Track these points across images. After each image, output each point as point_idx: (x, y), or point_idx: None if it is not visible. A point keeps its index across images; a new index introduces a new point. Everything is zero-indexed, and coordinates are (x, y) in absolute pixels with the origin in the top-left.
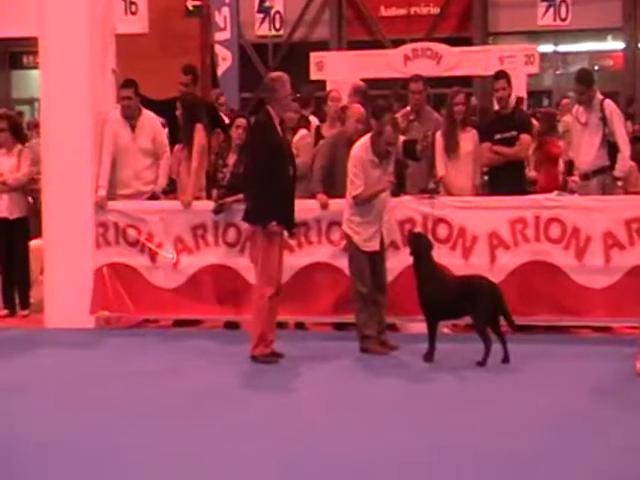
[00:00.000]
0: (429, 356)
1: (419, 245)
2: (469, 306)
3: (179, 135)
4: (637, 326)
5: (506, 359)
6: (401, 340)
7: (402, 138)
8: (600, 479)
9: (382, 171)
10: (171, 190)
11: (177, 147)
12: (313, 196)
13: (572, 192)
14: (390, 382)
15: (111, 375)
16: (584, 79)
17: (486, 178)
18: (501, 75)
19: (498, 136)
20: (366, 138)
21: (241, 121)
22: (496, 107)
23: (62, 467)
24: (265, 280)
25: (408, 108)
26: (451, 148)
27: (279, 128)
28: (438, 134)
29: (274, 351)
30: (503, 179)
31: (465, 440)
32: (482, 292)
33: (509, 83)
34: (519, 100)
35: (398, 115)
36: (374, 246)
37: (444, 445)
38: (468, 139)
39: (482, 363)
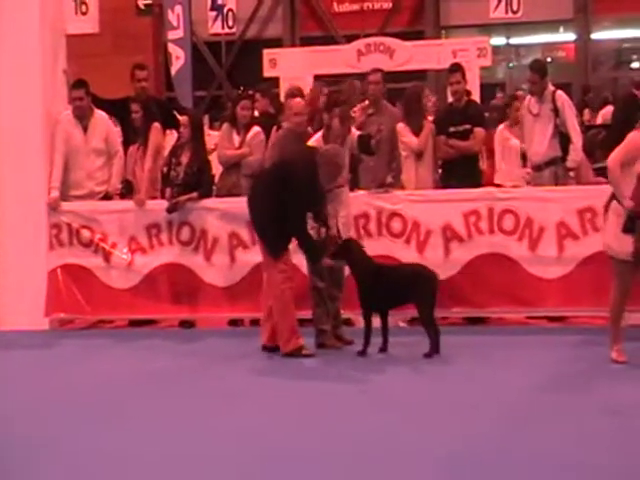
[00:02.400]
0: (363, 351)
1: (347, 249)
2: (412, 295)
3: (131, 134)
4: (591, 315)
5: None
6: (356, 335)
7: (356, 132)
8: (559, 468)
9: None
10: (127, 192)
11: (132, 147)
12: None
13: (527, 183)
14: (347, 375)
15: (66, 377)
16: (538, 69)
17: (440, 171)
18: (456, 68)
19: (452, 129)
20: (319, 134)
21: (184, 119)
22: (450, 100)
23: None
24: (280, 276)
25: (366, 102)
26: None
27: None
28: (400, 125)
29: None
30: (457, 172)
31: (422, 434)
32: (424, 280)
33: (464, 76)
34: (469, 93)
35: (356, 109)
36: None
37: (399, 442)
38: (426, 133)
39: (430, 354)
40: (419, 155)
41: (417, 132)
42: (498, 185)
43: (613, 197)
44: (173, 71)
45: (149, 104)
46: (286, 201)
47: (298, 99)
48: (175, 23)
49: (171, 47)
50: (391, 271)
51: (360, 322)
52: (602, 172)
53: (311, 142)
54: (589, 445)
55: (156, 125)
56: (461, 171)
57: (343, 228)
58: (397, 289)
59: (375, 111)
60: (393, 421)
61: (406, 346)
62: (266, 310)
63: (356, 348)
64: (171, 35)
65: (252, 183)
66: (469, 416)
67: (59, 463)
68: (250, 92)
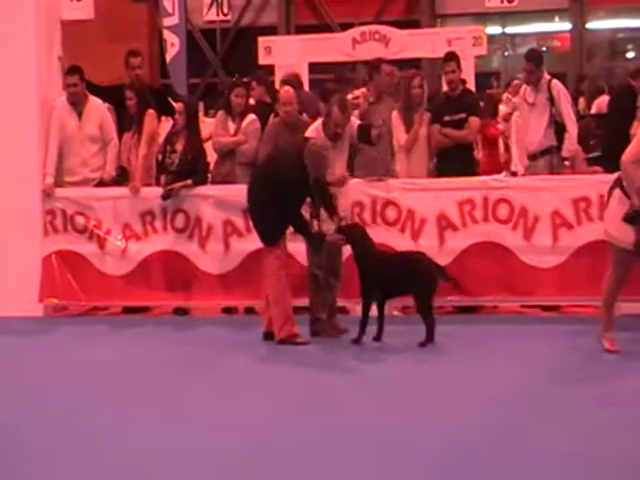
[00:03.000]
0: (358, 339)
1: (355, 233)
2: (410, 284)
3: (126, 121)
4: (585, 304)
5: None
6: (350, 322)
7: (357, 122)
8: (555, 456)
9: (336, 154)
10: (122, 179)
11: (127, 134)
12: None
13: (514, 174)
14: (341, 363)
15: (59, 364)
16: (534, 58)
17: (435, 160)
18: (451, 57)
19: (447, 118)
20: (319, 122)
21: (179, 106)
22: (445, 89)
23: (7, 452)
24: (276, 262)
25: (364, 89)
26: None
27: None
28: (395, 115)
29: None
30: (452, 161)
31: (416, 423)
32: (422, 269)
33: (459, 65)
34: (464, 82)
35: (358, 94)
36: (327, 229)
37: (398, 430)
38: (422, 123)
39: (424, 343)
40: (408, 150)
41: (409, 122)
42: (514, 173)
43: (616, 184)
44: (168, 58)
45: (143, 91)
46: (279, 193)
47: (287, 88)
48: (170, 10)
49: (166, 34)
50: (393, 259)
51: (356, 310)
52: (595, 161)
53: (310, 130)
54: (583, 434)
55: (150, 112)
56: (455, 160)
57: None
58: (398, 277)
59: (376, 100)
60: (388, 410)
61: (400, 335)
62: (266, 298)
63: (350, 337)
64: (166, 22)
65: (250, 175)
66: (463, 405)
67: (52, 450)
68: (246, 80)
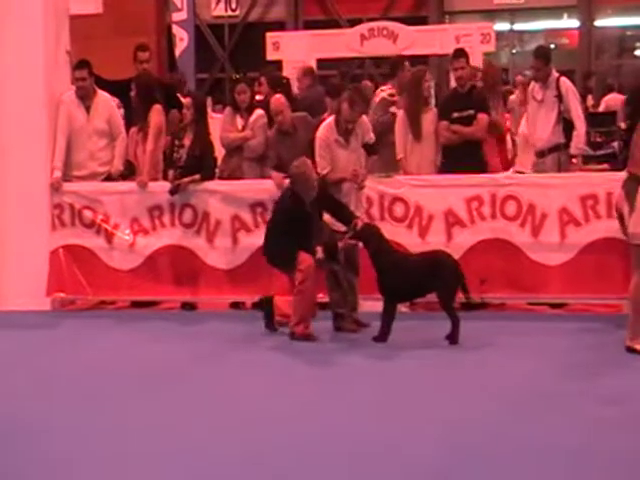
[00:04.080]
0: (383, 337)
1: (369, 235)
2: (434, 283)
3: (134, 116)
4: (593, 303)
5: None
6: (367, 318)
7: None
8: (561, 453)
9: (350, 152)
10: (130, 174)
11: (133, 129)
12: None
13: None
14: (351, 360)
15: (67, 358)
16: (542, 55)
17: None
18: (460, 54)
19: (456, 115)
20: (331, 119)
21: (187, 100)
22: (453, 85)
23: (15, 446)
24: (299, 276)
25: (389, 86)
26: (415, 129)
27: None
28: (400, 114)
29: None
30: (460, 158)
31: (430, 418)
32: (446, 268)
33: (468, 62)
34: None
35: (385, 92)
36: (343, 226)
37: (407, 425)
38: (430, 119)
39: (453, 340)
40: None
41: (416, 120)
42: (521, 172)
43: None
44: (177, 53)
45: (148, 85)
46: (283, 224)
47: (278, 95)
48: (179, 5)
49: (175, 29)
50: (414, 261)
51: (365, 306)
52: (606, 159)
53: (322, 127)
54: (587, 431)
55: (157, 107)
56: (463, 157)
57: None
58: (422, 279)
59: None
60: (392, 406)
61: (409, 330)
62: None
63: (371, 331)
64: (175, 17)
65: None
66: (474, 402)
67: (59, 444)
68: (252, 76)
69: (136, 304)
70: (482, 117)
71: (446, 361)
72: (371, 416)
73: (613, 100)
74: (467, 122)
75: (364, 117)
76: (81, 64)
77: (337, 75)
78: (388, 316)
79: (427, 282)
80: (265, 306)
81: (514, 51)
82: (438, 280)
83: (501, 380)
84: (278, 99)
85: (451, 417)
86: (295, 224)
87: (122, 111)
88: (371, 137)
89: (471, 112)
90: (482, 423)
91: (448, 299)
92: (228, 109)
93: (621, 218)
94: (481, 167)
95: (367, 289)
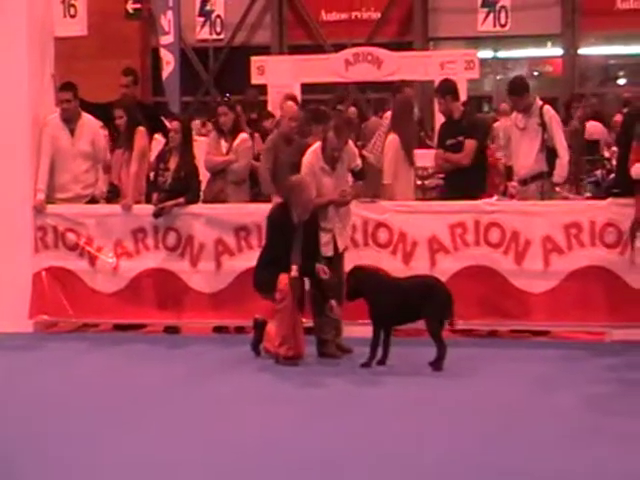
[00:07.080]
0: (370, 363)
1: (361, 282)
2: (425, 309)
3: (119, 138)
4: (576, 330)
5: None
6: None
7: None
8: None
9: (335, 180)
10: (113, 196)
11: (117, 151)
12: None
13: (511, 196)
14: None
15: (49, 380)
16: (515, 91)
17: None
18: (439, 92)
19: (449, 142)
20: (317, 145)
21: (175, 124)
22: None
23: None
24: (278, 297)
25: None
26: (410, 155)
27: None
28: (390, 139)
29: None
30: (458, 184)
31: (417, 444)
32: (438, 294)
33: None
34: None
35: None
36: (327, 251)
37: (383, 452)
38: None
39: (437, 367)
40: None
41: (408, 144)
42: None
43: None
44: (164, 76)
45: (132, 108)
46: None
47: (290, 103)
48: (167, 28)
49: (163, 52)
50: (404, 286)
51: (349, 331)
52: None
53: (309, 153)
54: (577, 455)
55: (141, 129)
56: (460, 183)
57: (339, 239)
58: (412, 304)
59: None
60: (382, 431)
61: (400, 356)
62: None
63: (354, 356)
64: (163, 40)
65: None
66: (460, 425)
67: (41, 465)
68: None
69: (119, 327)
70: (469, 143)
71: (429, 387)
72: (357, 441)
73: (594, 128)
74: (458, 149)
75: (350, 143)
76: (66, 86)
77: (332, 99)
78: (376, 341)
79: (417, 307)
80: (256, 328)
81: (498, 78)
82: (429, 306)
83: (480, 405)
84: (292, 106)
85: (439, 441)
86: (279, 237)
87: (106, 132)
88: (357, 164)
89: (460, 139)
90: (470, 446)
91: (437, 326)
92: (213, 133)
93: None
94: (479, 194)
95: (353, 314)
